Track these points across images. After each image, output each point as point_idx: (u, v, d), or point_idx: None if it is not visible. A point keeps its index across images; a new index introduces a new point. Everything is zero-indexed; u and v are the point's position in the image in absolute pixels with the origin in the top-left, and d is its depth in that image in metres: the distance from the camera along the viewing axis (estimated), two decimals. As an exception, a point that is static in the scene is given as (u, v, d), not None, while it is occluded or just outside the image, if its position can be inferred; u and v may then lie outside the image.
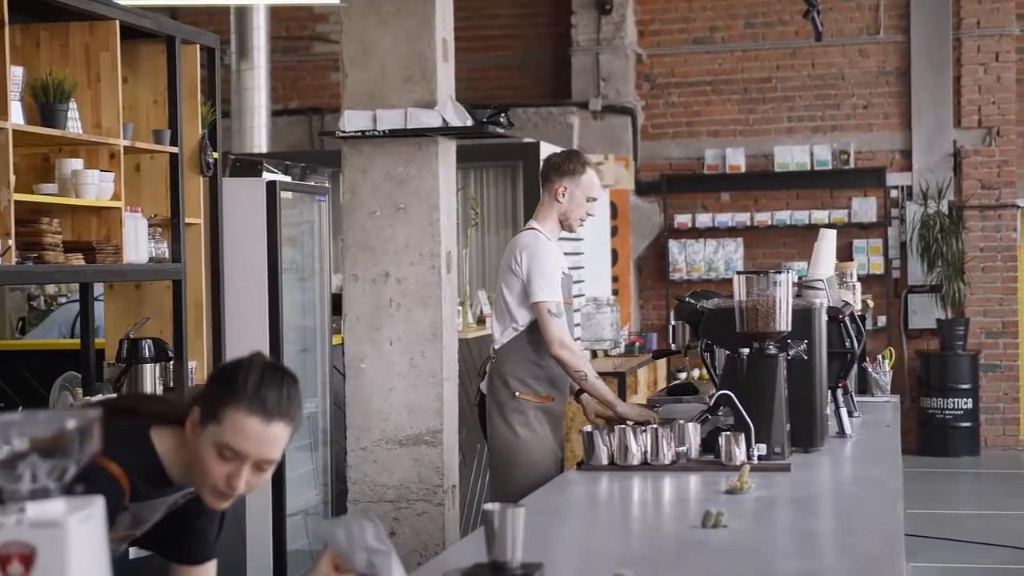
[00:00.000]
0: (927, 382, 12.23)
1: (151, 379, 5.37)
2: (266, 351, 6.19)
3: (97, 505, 1.78)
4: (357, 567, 2.47)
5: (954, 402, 12.12)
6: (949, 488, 10.99)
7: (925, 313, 12.46)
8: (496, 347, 5.25)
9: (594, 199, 5.29)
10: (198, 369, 5.80)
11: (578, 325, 9.84)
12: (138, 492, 2.61)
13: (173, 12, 12.35)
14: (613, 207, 12.28)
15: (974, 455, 12.15)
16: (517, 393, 5.14)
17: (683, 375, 12.16)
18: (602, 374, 9.10)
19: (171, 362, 5.52)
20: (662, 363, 11.03)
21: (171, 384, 5.55)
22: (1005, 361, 12.48)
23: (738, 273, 4.42)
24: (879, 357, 6.41)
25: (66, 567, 1.70)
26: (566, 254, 9.64)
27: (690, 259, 12.83)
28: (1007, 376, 12.49)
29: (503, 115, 5.92)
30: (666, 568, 2.91)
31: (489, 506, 2.72)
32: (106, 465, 2.54)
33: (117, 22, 5.13)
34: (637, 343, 11.14)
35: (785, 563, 2.96)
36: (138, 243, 5.22)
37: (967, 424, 12.15)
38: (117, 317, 5.69)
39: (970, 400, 12.13)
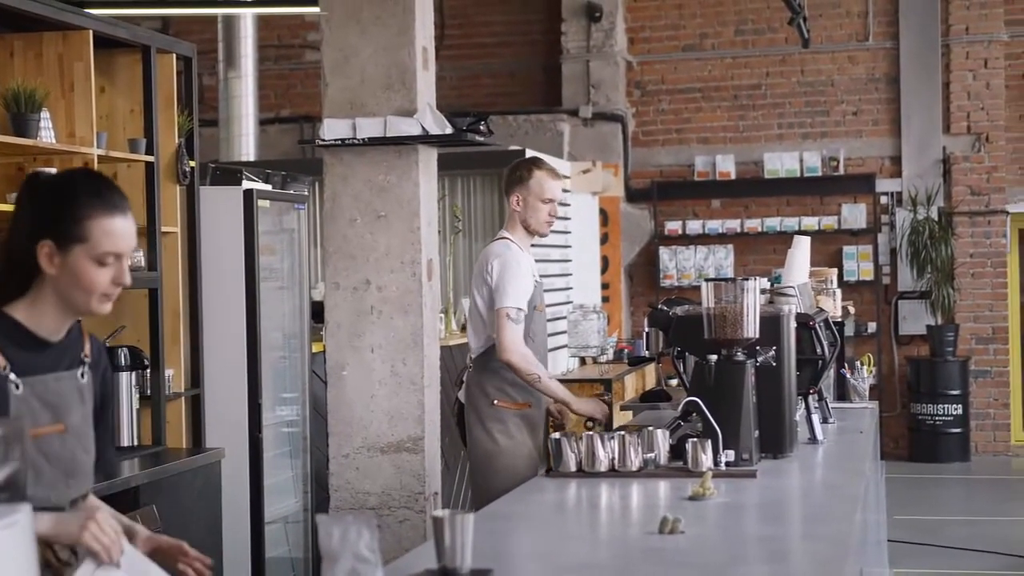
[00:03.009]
0: (917, 388, 12.24)
1: (127, 388, 5.38)
2: (244, 358, 6.27)
3: (23, 512, 1.80)
4: (336, 573, 2.48)
5: (944, 408, 12.12)
6: (939, 494, 11.00)
7: (915, 319, 12.47)
8: (473, 356, 5.34)
9: (550, 200, 5.35)
10: (175, 377, 5.81)
11: (563, 333, 9.87)
12: (17, 362, 2.63)
13: (164, 21, 12.40)
14: (603, 214, 12.30)
15: (964, 461, 12.15)
16: (496, 401, 5.23)
17: (674, 382, 12.18)
18: (589, 381, 9.19)
19: (147, 370, 5.54)
20: (651, 370, 11.05)
21: (148, 392, 5.56)
22: (995, 367, 12.49)
23: (706, 280, 4.43)
24: (857, 363, 6.41)
25: (-13, 574, 1.72)
26: (554, 261, 9.73)
27: (681, 266, 12.84)
28: (997, 382, 12.50)
29: (483, 123, 5.94)
30: (617, 573, 2.92)
31: (438, 513, 2.74)
32: None
33: (91, 32, 5.15)
34: (626, 350, 11.16)
35: (735, 568, 2.97)
36: (113, 252, 5.23)
37: (957, 430, 12.15)
38: (93, 325, 5.69)
39: (960, 406, 12.14)
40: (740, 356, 4.36)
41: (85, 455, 2.75)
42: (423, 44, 5.81)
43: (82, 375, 2.77)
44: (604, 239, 12.33)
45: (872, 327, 12.45)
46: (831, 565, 2.92)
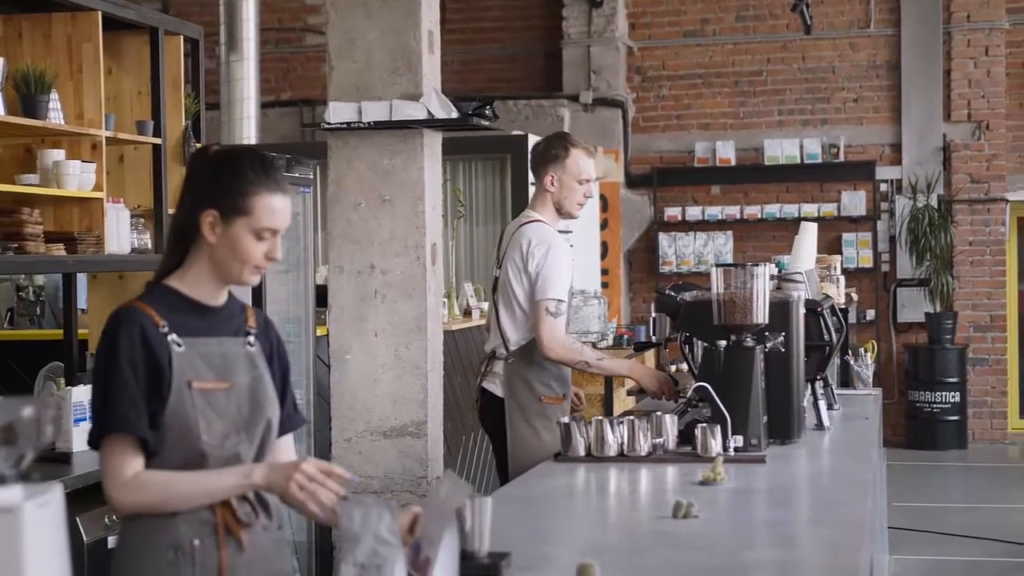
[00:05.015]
0: (915, 375, 12.27)
1: (133, 370, 5.37)
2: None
3: (54, 493, 1.80)
4: (357, 555, 2.50)
5: (942, 395, 12.15)
6: (936, 481, 11.03)
7: (914, 307, 12.49)
8: (511, 347, 5.08)
9: (586, 180, 5.11)
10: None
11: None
12: (175, 323, 2.79)
13: (165, 4, 12.36)
14: (603, 200, 12.30)
15: (961, 448, 12.19)
16: (543, 398, 5.03)
17: (673, 368, 12.19)
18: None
19: (154, 352, 5.52)
20: (651, 355, 11.07)
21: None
22: (993, 355, 12.52)
23: (716, 265, 4.43)
24: (861, 350, 6.42)
25: (21, 553, 1.72)
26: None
27: (680, 252, 12.85)
28: (995, 370, 12.52)
29: (488, 108, 5.93)
30: (633, 557, 2.93)
31: (456, 495, 2.74)
32: (127, 304, 2.83)
33: (99, 13, 5.14)
34: (626, 336, 11.17)
35: (750, 553, 2.99)
36: (120, 234, 5.24)
37: (955, 418, 12.19)
38: (101, 307, 5.71)
39: (958, 394, 12.17)
40: (749, 342, 4.37)
41: (257, 414, 2.87)
42: (429, 28, 5.80)
43: (249, 344, 2.90)
44: (604, 225, 12.34)
45: (871, 314, 12.46)
46: (845, 551, 2.93)
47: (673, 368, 12.36)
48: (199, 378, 2.79)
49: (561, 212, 5.15)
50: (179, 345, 2.78)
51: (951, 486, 11.00)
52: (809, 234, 5.47)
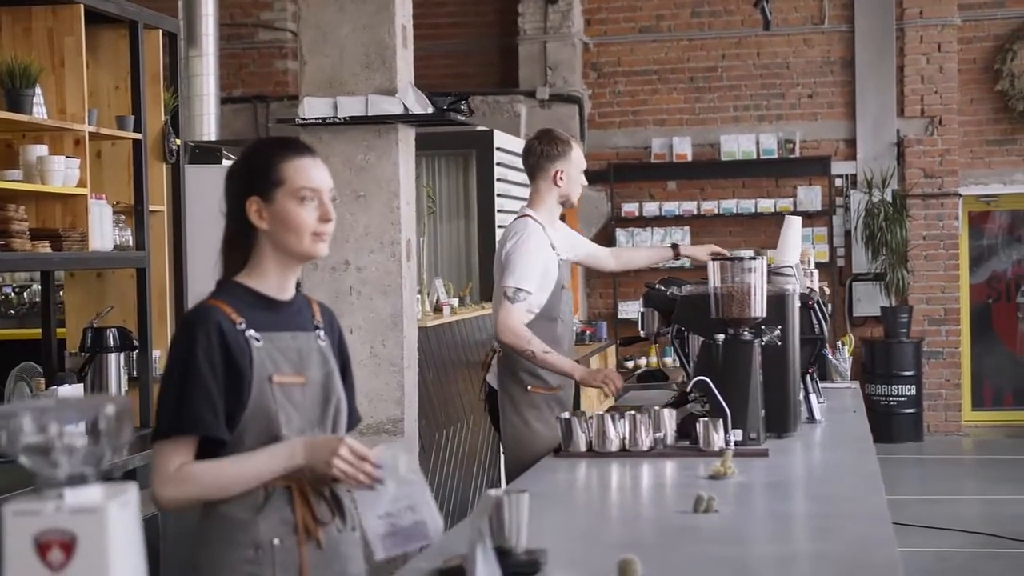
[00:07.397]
0: (871, 369, 12.36)
1: (115, 368, 5.30)
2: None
3: (132, 492, 1.77)
4: (381, 506, 2.51)
5: (898, 389, 12.26)
6: (893, 473, 11.09)
7: (869, 301, 12.59)
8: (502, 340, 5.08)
9: (584, 169, 5.32)
10: (162, 358, 5.73)
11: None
12: (251, 318, 2.78)
13: (115, -2, 12.20)
14: (560, 196, 12.27)
15: (917, 441, 12.31)
16: (530, 387, 5.08)
17: (630, 364, 12.21)
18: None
19: (135, 351, 5.45)
20: (611, 351, 11.10)
21: (135, 374, 5.48)
22: (947, 348, 12.64)
23: (713, 259, 4.43)
24: (839, 344, 6.45)
25: (106, 553, 1.69)
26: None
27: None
28: (949, 363, 12.65)
29: (464, 102, 5.91)
30: (664, 552, 2.92)
31: (494, 492, 2.71)
32: (203, 303, 2.82)
33: (81, 6, 5.06)
34: (587, 332, 11.20)
35: (781, 547, 2.98)
36: (103, 230, 5.16)
37: (911, 410, 12.30)
38: (78, 306, 5.62)
39: (913, 387, 12.28)
40: (747, 335, 4.37)
41: (329, 409, 2.85)
42: (402, 22, 5.78)
43: (320, 338, 2.88)
44: (561, 220, 12.31)
45: (827, 308, 12.53)
46: (879, 543, 2.92)
47: (630, 364, 12.37)
48: (279, 372, 2.78)
49: (565, 204, 5.29)
50: (257, 340, 2.77)
51: (908, 478, 11.09)
52: (794, 228, 5.49)
